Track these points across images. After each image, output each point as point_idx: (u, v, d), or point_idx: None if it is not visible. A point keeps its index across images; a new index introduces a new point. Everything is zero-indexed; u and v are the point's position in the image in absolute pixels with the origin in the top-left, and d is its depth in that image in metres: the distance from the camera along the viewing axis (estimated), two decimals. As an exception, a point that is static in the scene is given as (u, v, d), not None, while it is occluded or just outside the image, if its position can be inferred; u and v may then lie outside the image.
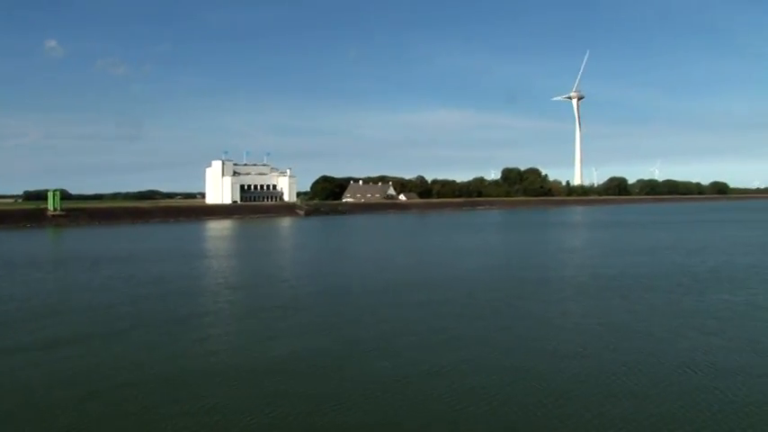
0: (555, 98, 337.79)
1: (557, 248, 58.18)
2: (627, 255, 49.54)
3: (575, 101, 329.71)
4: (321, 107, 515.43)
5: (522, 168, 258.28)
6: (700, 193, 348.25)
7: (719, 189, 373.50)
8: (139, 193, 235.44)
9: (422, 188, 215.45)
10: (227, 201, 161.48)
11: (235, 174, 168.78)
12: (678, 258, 45.98)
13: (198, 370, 17.79)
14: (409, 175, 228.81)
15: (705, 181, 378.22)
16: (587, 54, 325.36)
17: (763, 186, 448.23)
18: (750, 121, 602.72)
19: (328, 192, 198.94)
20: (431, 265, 44.39)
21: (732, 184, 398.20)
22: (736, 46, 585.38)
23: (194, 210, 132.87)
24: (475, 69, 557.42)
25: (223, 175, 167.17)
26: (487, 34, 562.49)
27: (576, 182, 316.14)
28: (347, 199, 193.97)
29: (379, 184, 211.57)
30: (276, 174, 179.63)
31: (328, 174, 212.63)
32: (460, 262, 46.33)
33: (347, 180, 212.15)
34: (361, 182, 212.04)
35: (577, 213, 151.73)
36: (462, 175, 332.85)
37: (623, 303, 27.93)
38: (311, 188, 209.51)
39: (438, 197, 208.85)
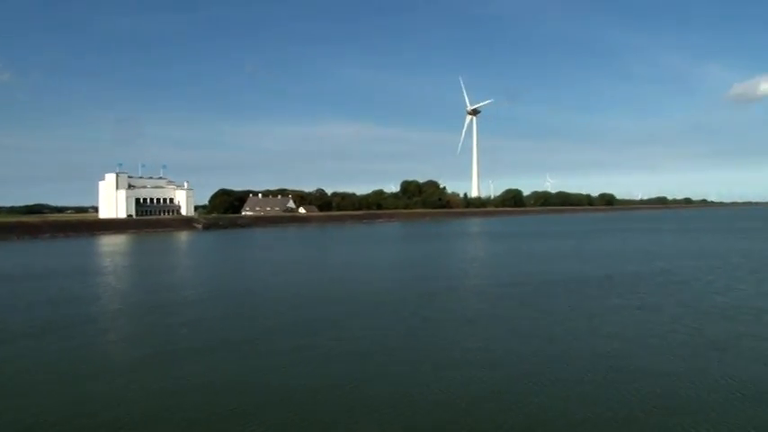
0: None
1: (459, 258, 61.08)
2: (526, 263, 52.57)
3: (472, 116, 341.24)
4: (219, 119, 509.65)
5: (421, 181, 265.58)
6: (590, 204, 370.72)
7: (607, 200, 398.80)
8: (26, 207, 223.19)
9: (322, 201, 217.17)
10: (122, 215, 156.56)
11: (130, 187, 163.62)
12: (575, 265, 49.56)
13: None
14: (309, 187, 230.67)
15: (594, 193, 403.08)
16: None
17: (646, 198, 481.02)
18: (635, 137, 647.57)
19: (227, 205, 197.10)
20: (333, 279, 43.80)
21: (619, 196, 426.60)
22: (624, 68, 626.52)
23: (87, 224, 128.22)
24: (376, 84, 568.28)
25: (117, 188, 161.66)
26: (388, 49, 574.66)
27: (474, 194, 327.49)
28: (247, 212, 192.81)
29: (279, 197, 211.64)
30: (173, 187, 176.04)
31: (227, 187, 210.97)
32: (365, 275, 46.69)
33: (246, 193, 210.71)
34: (260, 195, 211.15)
35: (475, 225, 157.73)
36: (362, 188, 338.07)
37: (524, 310, 29.32)
38: (210, 202, 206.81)
39: (338, 210, 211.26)
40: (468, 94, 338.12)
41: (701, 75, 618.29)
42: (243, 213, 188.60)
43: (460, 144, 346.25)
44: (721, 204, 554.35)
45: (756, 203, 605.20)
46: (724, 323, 25.27)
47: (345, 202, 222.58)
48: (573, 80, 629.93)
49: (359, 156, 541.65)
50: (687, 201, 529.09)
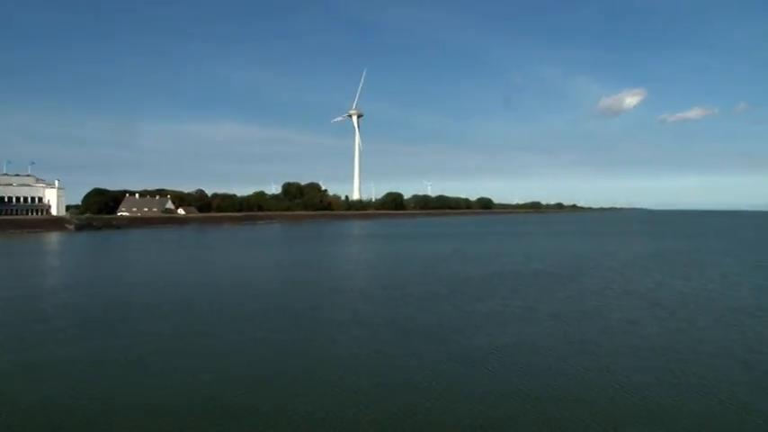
0: (335, 120, 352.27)
1: (343, 260, 64.39)
2: (407, 265, 56.27)
3: (354, 118, 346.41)
4: (93, 115, 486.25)
5: (303, 183, 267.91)
6: (468, 208, 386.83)
7: (485, 204, 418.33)
8: None
9: (201, 202, 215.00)
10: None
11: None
12: (455, 267, 54.21)
13: None
14: (189, 188, 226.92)
15: (473, 197, 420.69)
16: (365, 73, 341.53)
17: (521, 202, 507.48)
18: (512, 144, 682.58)
19: (102, 205, 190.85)
20: (211, 281, 43.89)
21: (496, 200, 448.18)
22: (503, 78, 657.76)
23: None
24: (260, 85, 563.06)
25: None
26: (273, 52, 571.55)
27: (355, 197, 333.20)
28: (123, 213, 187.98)
29: (157, 197, 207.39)
30: (42, 185, 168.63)
31: (102, 186, 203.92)
32: (246, 275, 48.11)
33: (123, 193, 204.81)
34: (137, 195, 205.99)
35: (356, 227, 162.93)
36: (243, 190, 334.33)
37: (408, 310, 31.48)
38: (83, 201, 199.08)
39: (218, 211, 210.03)
40: (359, 98, 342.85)
41: (573, 87, 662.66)
42: (119, 214, 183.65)
43: (336, 120, 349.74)
44: (590, 209, 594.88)
45: (620, 209, 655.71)
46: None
47: (226, 204, 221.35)
48: (455, 88, 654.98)
49: (241, 157, 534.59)
50: (559, 206, 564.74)
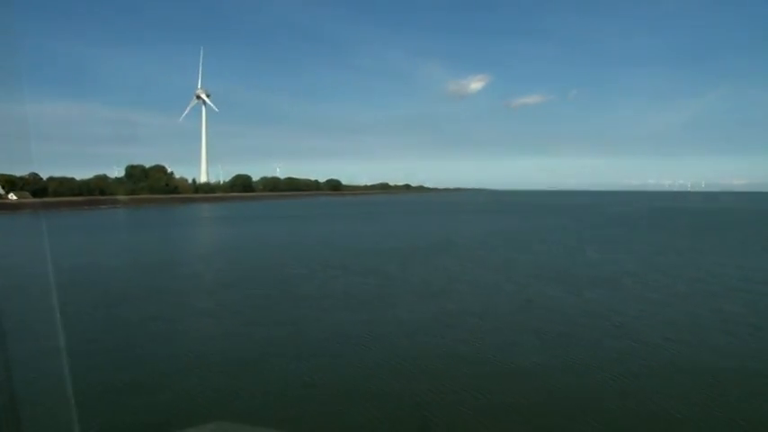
0: (185, 113, 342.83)
1: (190, 246, 66.17)
2: (257, 249, 59.12)
3: (201, 99, 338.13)
4: None
5: (148, 166, 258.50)
6: (317, 189, 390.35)
7: (334, 186, 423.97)
8: None
9: (36, 186, 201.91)
10: None
11: None
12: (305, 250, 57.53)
13: None
14: (21, 171, 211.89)
15: (322, 178, 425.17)
16: (202, 52, 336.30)
17: (370, 183, 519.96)
18: (361, 126, 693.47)
19: None
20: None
21: (345, 182, 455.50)
22: (351, 60, 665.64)
23: None
24: (101, 62, 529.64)
25: None
26: (114, 26, 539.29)
27: (203, 179, 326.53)
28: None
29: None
30: None
31: None
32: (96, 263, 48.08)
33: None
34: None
35: (206, 210, 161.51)
36: (83, 173, 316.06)
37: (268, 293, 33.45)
38: None
39: (55, 196, 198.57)
40: (201, 77, 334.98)
41: (422, 71, 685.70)
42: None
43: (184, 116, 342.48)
44: (436, 190, 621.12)
45: (466, 189, 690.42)
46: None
47: (63, 188, 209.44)
48: (302, 69, 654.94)
49: (80, 138, 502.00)
50: (407, 186, 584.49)
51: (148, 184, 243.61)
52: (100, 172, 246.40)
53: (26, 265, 45.26)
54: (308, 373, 18.85)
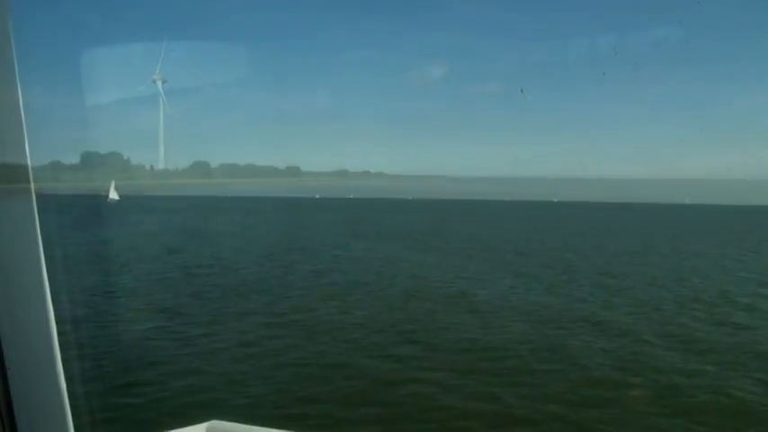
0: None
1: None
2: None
3: (159, 84, 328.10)
4: None
5: (103, 152, 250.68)
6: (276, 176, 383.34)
7: (293, 172, 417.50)
8: None
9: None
10: None
11: None
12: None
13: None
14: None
15: (281, 166, 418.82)
16: (164, 45, 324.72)
17: (329, 171, 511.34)
18: (326, 113, 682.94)
19: None
20: None
21: (304, 169, 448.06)
22: (314, 44, 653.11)
23: None
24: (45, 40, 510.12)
25: None
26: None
27: (161, 166, 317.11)
28: None
29: None
30: None
31: None
32: None
33: None
34: None
35: (162, 200, 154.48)
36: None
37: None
38: None
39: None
40: (161, 63, 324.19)
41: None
42: None
43: None
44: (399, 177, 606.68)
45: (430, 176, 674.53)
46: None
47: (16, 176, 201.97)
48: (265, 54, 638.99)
49: (33, 123, 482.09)
50: (366, 173, 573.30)
51: (104, 171, 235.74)
52: (55, 160, 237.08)
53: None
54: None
